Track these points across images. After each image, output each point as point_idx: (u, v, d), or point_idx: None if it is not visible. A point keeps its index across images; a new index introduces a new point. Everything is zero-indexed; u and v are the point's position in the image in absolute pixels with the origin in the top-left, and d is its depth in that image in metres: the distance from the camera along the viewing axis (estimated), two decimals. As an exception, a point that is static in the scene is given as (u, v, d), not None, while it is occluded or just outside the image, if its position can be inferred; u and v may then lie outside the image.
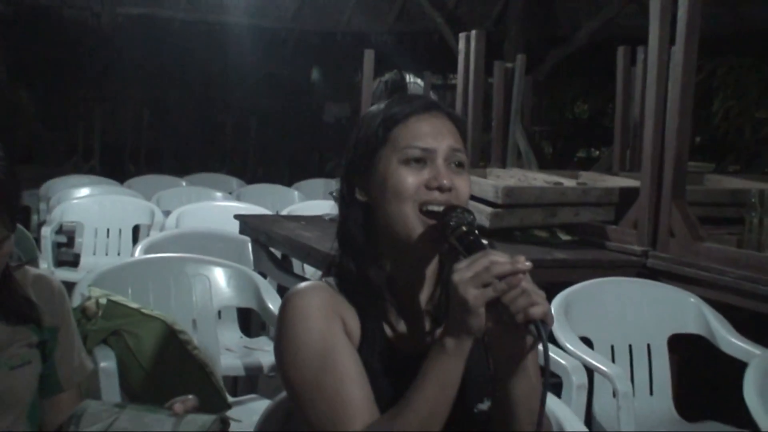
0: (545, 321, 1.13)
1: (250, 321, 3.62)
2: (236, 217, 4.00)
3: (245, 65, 9.81)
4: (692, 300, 2.77)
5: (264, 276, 3.31)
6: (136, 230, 5.08)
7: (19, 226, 2.28)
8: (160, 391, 2.25)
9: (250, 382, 3.12)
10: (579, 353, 2.44)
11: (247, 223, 3.89)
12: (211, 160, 10.04)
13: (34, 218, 6.06)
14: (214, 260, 2.91)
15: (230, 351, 3.10)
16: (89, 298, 2.47)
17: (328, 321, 1.26)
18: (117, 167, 9.20)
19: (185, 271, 2.82)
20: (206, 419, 1.35)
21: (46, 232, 4.65)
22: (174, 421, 1.34)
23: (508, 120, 5.51)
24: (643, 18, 3.21)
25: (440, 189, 1.26)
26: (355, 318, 1.29)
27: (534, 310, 1.12)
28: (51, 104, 9.83)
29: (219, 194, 5.94)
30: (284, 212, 5.00)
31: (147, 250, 3.36)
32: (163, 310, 2.58)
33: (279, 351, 1.28)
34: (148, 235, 4.69)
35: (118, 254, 4.92)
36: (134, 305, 2.49)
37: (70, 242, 5.23)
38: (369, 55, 5.41)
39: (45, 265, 4.37)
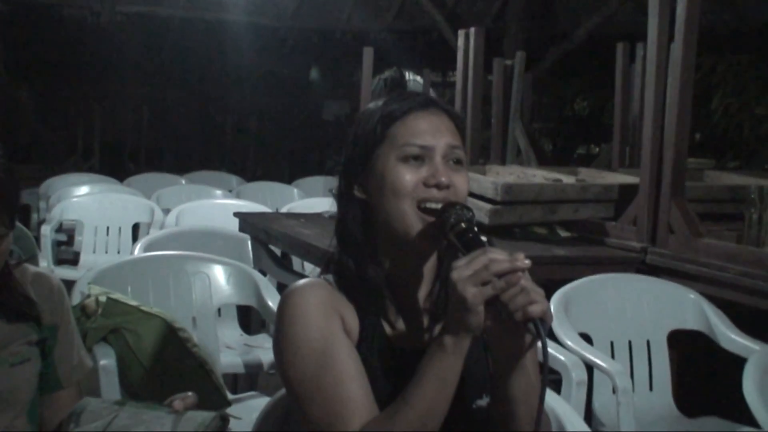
0: (544, 319, 1.13)
1: (250, 318, 3.62)
2: (236, 214, 4.00)
3: (245, 63, 9.80)
4: (692, 296, 2.77)
5: (264, 273, 3.31)
6: (135, 228, 5.08)
7: (19, 224, 2.29)
8: (160, 388, 2.25)
9: (250, 379, 3.13)
10: (578, 350, 2.44)
11: (246, 221, 3.89)
12: (210, 158, 10.04)
13: (34, 217, 6.06)
14: (213, 258, 2.91)
15: (230, 348, 3.10)
16: (89, 296, 2.47)
17: (327, 318, 1.26)
18: (117, 165, 9.19)
19: (185, 268, 2.82)
20: (206, 416, 1.35)
21: (46, 230, 4.65)
22: (173, 419, 1.35)
23: (508, 117, 5.51)
24: (643, 15, 3.21)
25: (438, 186, 1.26)
26: (354, 315, 1.29)
27: (533, 308, 1.12)
28: (50, 103, 9.82)
29: (219, 192, 5.94)
30: (284, 210, 5.00)
31: (147, 248, 3.36)
32: (163, 307, 2.58)
33: (278, 348, 1.28)
34: (147, 233, 4.70)
35: (118, 252, 4.92)
36: (134, 303, 2.49)
37: (70, 240, 5.23)
38: (368, 53, 5.40)
39: (45, 263, 4.37)
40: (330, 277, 1.34)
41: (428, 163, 1.28)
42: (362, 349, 1.27)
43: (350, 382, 1.22)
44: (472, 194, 3.31)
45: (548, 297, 2.48)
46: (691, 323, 2.74)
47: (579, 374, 2.31)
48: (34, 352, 1.58)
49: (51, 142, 9.72)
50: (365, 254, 1.31)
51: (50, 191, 5.91)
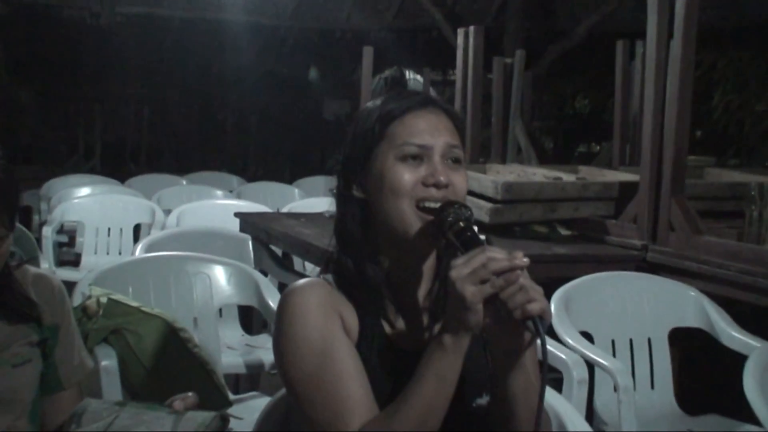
0: (543, 317, 1.13)
1: (251, 319, 3.62)
2: (236, 215, 4.01)
3: (245, 63, 9.80)
4: (692, 294, 2.77)
5: (265, 274, 3.31)
6: (137, 229, 5.08)
7: (20, 225, 2.29)
8: (162, 389, 2.24)
9: (251, 379, 3.13)
10: (579, 348, 2.44)
11: (247, 221, 3.89)
12: (211, 158, 10.04)
13: (36, 218, 6.06)
14: (214, 258, 2.91)
15: (231, 349, 3.11)
16: (90, 297, 2.47)
17: (327, 318, 1.26)
18: (117, 166, 9.20)
19: (186, 269, 2.83)
20: (206, 416, 1.35)
21: (47, 231, 4.65)
22: (174, 419, 1.35)
23: (508, 116, 5.51)
24: (642, 12, 3.21)
25: (437, 185, 1.26)
26: (354, 315, 1.29)
27: (532, 306, 1.12)
28: (51, 104, 9.83)
29: (219, 192, 5.95)
30: (285, 210, 5.00)
31: (148, 249, 3.36)
32: (164, 308, 2.58)
33: (278, 348, 1.28)
34: (149, 234, 4.70)
35: (119, 253, 4.92)
36: (135, 304, 2.49)
37: (71, 242, 5.23)
38: (368, 52, 5.41)
39: (46, 264, 4.38)
40: (329, 276, 1.34)
41: (427, 162, 1.28)
42: (362, 348, 1.28)
43: (350, 382, 1.22)
44: (472, 193, 3.31)
45: (549, 295, 2.49)
46: (692, 321, 2.74)
47: (580, 372, 2.31)
48: (35, 353, 1.59)
49: (52, 144, 9.72)
50: (364, 254, 1.31)
51: (51, 192, 5.91)
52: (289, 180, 7.42)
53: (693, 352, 2.93)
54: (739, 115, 7.41)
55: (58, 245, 5.07)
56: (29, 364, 1.57)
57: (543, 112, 9.81)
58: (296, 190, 6.60)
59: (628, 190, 3.34)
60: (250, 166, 10.55)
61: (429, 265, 1.34)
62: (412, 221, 1.26)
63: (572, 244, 3.27)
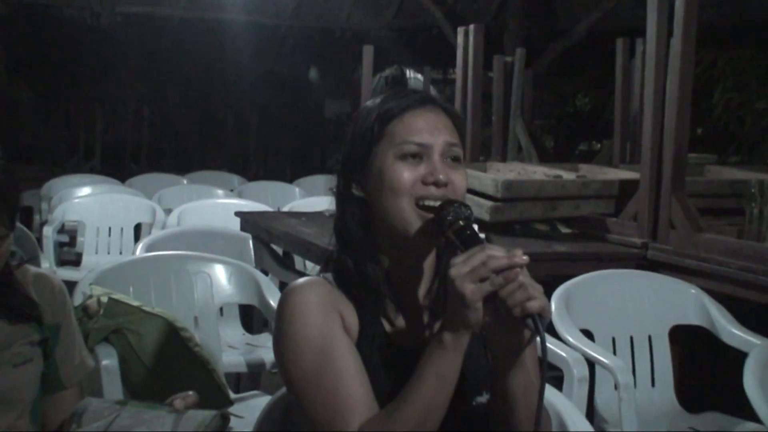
0: (543, 315, 1.13)
1: (252, 318, 3.63)
2: (237, 214, 4.01)
3: (245, 62, 9.80)
4: (693, 291, 2.77)
5: (266, 273, 3.32)
6: (137, 229, 5.08)
7: (21, 225, 2.29)
8: (162, 388, 2.25)
9: (252, 378, 3.13)
10: (580, 346, 2.44)
11: (247, 220, 3.89)
12: (212, 157, 10.05)
13: (36, 218, 6.07)
14: (215, 257, 2.92)
15: (233, 348, 3.11)
16: (91, 296, 2.48)
17: (327, 316, 1.26)
18: (118, 166, 9.21)
19: (186, 268, 2.83)
20: (206, 415, 1.36)
21: (48, 231, 4.65)
22: (174, 418, 1.35)
23: (508, 114, 5.51)
24: (642, 10, 3.20)
25: (436, 184, 1.26)
26: (354, 313, 1.29)
27: (531, 304, 1.12)
28: (51, 104, 9.84)
29: (220, 192, 5.95)
30: (285, 209, 5.00)
31: (148, 249, 3.36)
32: (165, 307, 2.59)
33: (278, 347, 1.28)
34: (149, 233, 4.70)
35: (120, 253, 4.93)
36: (136, 303, 2.49)
37: (72, 241, 5.23)
38: (368, 51, 5.41)
39: (47, 264, 4.38)
40: (329, 275, 1.34)
41: (426, 160, 1.28)
42: (362, 347, 1.28)
43: (350, 380, 1.22)
44: (473, 191, 3.31)
45: (549, 293, 2.50)
46: (692, 318, 2.74)
47: (581, 370, 2.31)
48: (36, 353, 1.59)
49: (52, 143, 9.73)
50: (364, 252, 1.31)
51: (52, 192, 5.92)
52: (290, 179, 7.43)
53: (693, 350, 2.93)
54: (739, 112, 7.41)
55: (59, 245, 5.07)
56: (30, 363, 1.57)
57: (543, 110, 9.81)
58: (297, 189, 6.60)
59: (628, 187, 3.34)
60: (251, 165, 10.55)
61: (429, 264, 1.34)
62: (412, 219, 1.27)
63: (573, 242, 3.27)
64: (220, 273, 2.86)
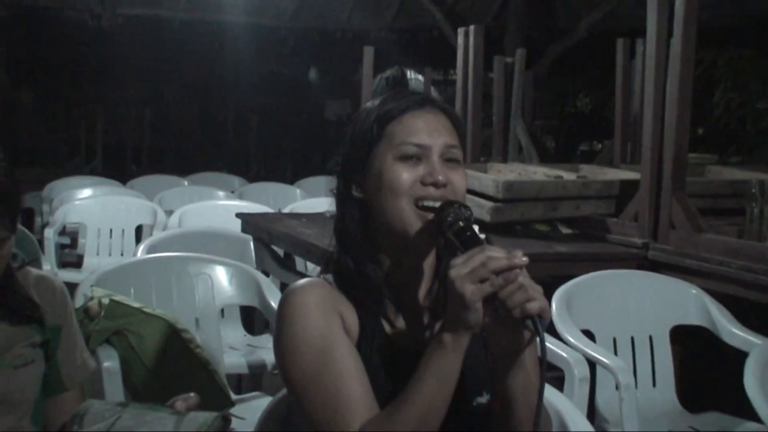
0: (542, 316, 1.13)
1: (253, 319, 3.63)
2: (238, 215, 4.01)
3: (246, 64, 9.81)
4: (694, 291, 2.77)
5: (266, 274, 3.32)
6: (138, 230, 5.09)
7: (22, 227, 2.30)
8: (164, 389, 2.25)
9: (254, 379, 3.13)
10: (581, 346, 2.44)
11: (248, 222, 3.90)
12: (212, 159, 10.05)
13: (38, 220, 6.07)
14: (216, 259, 2.92)
15: (234, 349, 3.11)
16: (92, 298, 2.48)
17: (327, 318, 1.26)
18: (119, 168, 9.21)
19: (187, 270, 2.83)
20: (207, 416, 1.36)
21: (50, 233, 4.66)
22: (176, 419, 1.36)
23: (509, 115, 5.51)
24: (643, 10, 3.20)
25: (435, 185, 1.27)
26: (354, 314, 1.30)
27: (531, 305, 1.12)
28: (52, 106, 9.85)
29: (221, 193, 5.95)
30: (286, 210, 5.00)
31: (149, 250, 3.36)
32: (166, 309, 2.59)
33: (278, 348, 1.29)
34: (150, 235, 4.70)
35: (121, 255, 4.93)
36: (137, 305, 2.50)
37: (74, 243, 5.23)
38: (369, 52, 5.41)
39: (48, 266, 4.38)
40: (329, 276, 1.34)
41: (425, 161, 1.28)
42: (362, 347, 1.28)
43: (350, 381, 1.23)
44: (473, 192, 3.32)
45: (550, 294, 2.50)
46: (693, 318, 2.74)
47: (581, 371, 2.31)
48: (37, 354, 1.59)
49: (53, 145, 9.74)
50: (364, 253, 1.31)
51: (53, 194, 5.92)
52: (291, 180, 7.42)
53: (694, 350, 2.93)
54: (740, 112, 7.41)
55: (60, 247, 5.07)
56: (31, 365, 1.58)
57: (544, 110, 9.80)
58: (298, 191, 6.60)
59: (629, 188, 3.34)
60: (252, 166, 10.56)
61: (429, 265, 1.34)
62: (412, 220, 1.27)
63: (573, 242, 3.27)
64: (221, 274, 2.86)
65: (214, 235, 3.84)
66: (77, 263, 5.02)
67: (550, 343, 2.36)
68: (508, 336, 1.20)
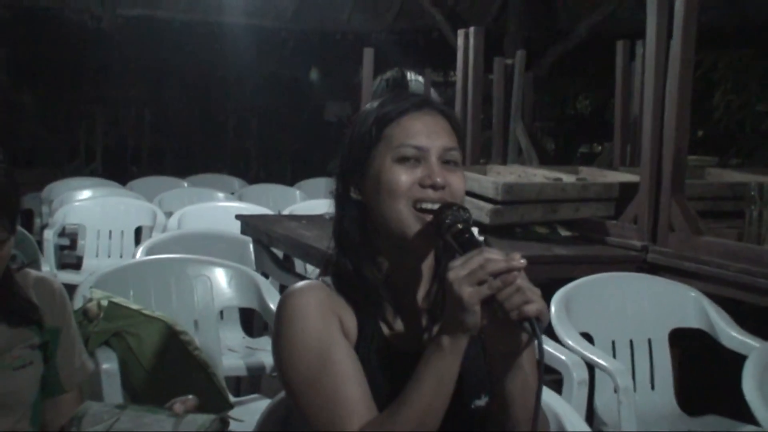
0: (540, 318, 1.13)
1: (252, 321, 3.63)
2: (237, 217, 4.01)
3: (245, 65, 9.81)
4: (693, 294, 2.77)
5: (266, 276, 3.32)
6: (138, 232, 5.08)
7: (21, 229, 2.30)
8: (162, 391, 2.25)
9: (252, 382, 3.13)
10: (579, 349, 2.44)
11: (248, 224, 3.90)
12: (212, 160, 10.05)
13: (37, 221, 6.07)
14: (215, 261, 2.92)
15: (232, 351, 3.11)
16: (91, 300, 2.48)
17: (325, 320, 1.26)
18: (119, 169, 9.20)
19: (186, 272, 2.83)
20: (206, 419, 1.36)
21: (49, 234, 4.65)
22: (174, 422, 1.35)
23: (509, 117, 5.52)
24: (643, 12, 3.21)
25: (434, 187, 1.27)
26: (352, 316, 1.30)
27: (529, 308, 1.12)
28: (52, 107, 9.84)
29: (221, 195, 5.94)
30: (286, 212, 5.00)
31: (149, 252, 3.36)
32: (165, 311, 2.59)
33: (277, 350, 1.29)
34: (150, 236, 4.70)
35: (121, 256, 4.92)
36: (135, 307, 2.50)
37: (73, 245, 5.22)
38: (369, 54, 5.42)
39: (47, 267, 4.38)
40: (328, 279, 1.34)
41: (423, 164, 1.29)
42: (360, 350, 1.28)
43: (349, 383, 1.23)
44: (473, 194, 3.32)
45: (549, 296, 2.50)
46: (692, 321, 2.74)
47: (580, 374, 2.32)
48: (36, 356, 1.59)
49: (53, 146, 9.74)
50: (363, 255, 1.32)
51: (53, 195, 5.91)
52: (291, 182, 7.42)
53: (693, 353, 2.93)
54: (739, 115, 7.41)
55: (60, 248, 5.07)
56: (30, 366, 1.58)
57: (544, 112, 9.81)
58: (297, 192, 6.60)
59: (628, 190, 3.34)
60: (252, 168, 10.56)
61: (427, 267, 1.34)
62: (410, 222, 1.27)
63: (573, 245, 3.28)
64: (220, 276, 2.86)
65: (213, 236, 3.84)
66: (76, 265, 5.02)
67: (549, 346, 2.36)
68: (506, 338, 1.20)
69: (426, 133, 1.30)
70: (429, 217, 1.26)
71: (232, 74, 10.16)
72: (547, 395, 1.62)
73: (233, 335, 3.32)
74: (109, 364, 2.32)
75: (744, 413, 2.19)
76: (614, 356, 2.63)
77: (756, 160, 7.01)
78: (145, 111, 10.31)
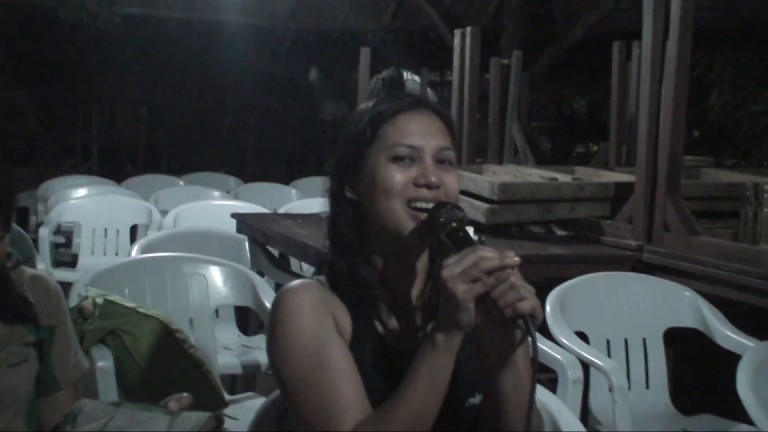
0: (534, 315, 1.13)
1: (247, 319, 3.63)
2: (233, 215, 4.00)
3: (242, 64, 9.81)
4: (687, 294, 2.78)
5: (261, 274, 3.32)
6: (133, 230, 5.08)
7: (16, 226, 2.29)
8: (157, 389, 2.25)
9: (247, 380, 3.13)
10: (574, 348, 2.45)
11: (244, 222, 3.89)
12: (208, 159, 10.04)
13: (33, 219, 6.06)
14: (210, 259, 2.92)
15: (228, 349, 3.11)
16: (86, 297, 2.48)
17: (320, 318, 1.27)
18: (115, 167, 9.20)
19: (182, 270, 2.83)
20: (200, 417, 1.36)
21: (44, 232, 4.65)
22: (169, 419, 1.36)
23: (505, 116, 5.53)
24: (640, 12, 3.21)
25: (428, 186, 1.27)
26: (347, 315, 1.30)
27: (522, 305, 1.13)
28: (48, 105, 9.83)
29: (216, 193, 5.94)
30: (282, 210, 5.00)
31: (144, 250, 3.36)
32: (160, 309, 2.59)
33: (271, 349, 1.29)
34: (145, 234, 4.69)
35: (116, 254, 4.92)
36: (131, 305, 2.49)
37: (68, 243, 5.22)
38: (365, 53, 5.42)
39: (43, 265, 4.37)
40: (323, 277, 1.34)
41: (418, 163, 1.29)
42: (355, 348, 1.28)
43: (343, 382, 1.23)
44: (469, 193, 3.32)
45: (544, 296, 2.50)
46: (687, 321, 2.75)
47: (575, 372, 2.32)
48: (31, 354, 1.59)
49: (49, 145, 9.73)
50: (357, 254, 1.32)
51: (48, 193, 5.90)
52: (287, 181, 7.42)
53: (688, 352, 2.94)
54: (735, 115, 7.42)
55: (55, 246, 5.06)
56: (25, 364, 1.58)
57: (540, 112, 9.82)
58: (293, 191, 6.59)
59: (623, 190, 3.35)
60: (248, 166, 10.55)
61: (422, 266, 1.34)
62: (404, 221, 1.27)
63: (568, 244, 3.28)
64: (215, 275, 2.86)
65: (209, 235, 3.84)
66: (72, 262, 5.02)
67: (544, 345, 2.36)
68: (500, 336, 1.20)
69: (420, 132, 1.30)
70: (423, 216, 1.26)
71: (228, 73, 10.15)
72: (542, 394, 1.62)
73: (228, 333, 3.32)
74: (104, 361, 2.32)
75: (738, 412, 2.20)
76: (609, 355, 2.63)
77: (752, 161, 7.02)
78: (141, 109, 10.30)
